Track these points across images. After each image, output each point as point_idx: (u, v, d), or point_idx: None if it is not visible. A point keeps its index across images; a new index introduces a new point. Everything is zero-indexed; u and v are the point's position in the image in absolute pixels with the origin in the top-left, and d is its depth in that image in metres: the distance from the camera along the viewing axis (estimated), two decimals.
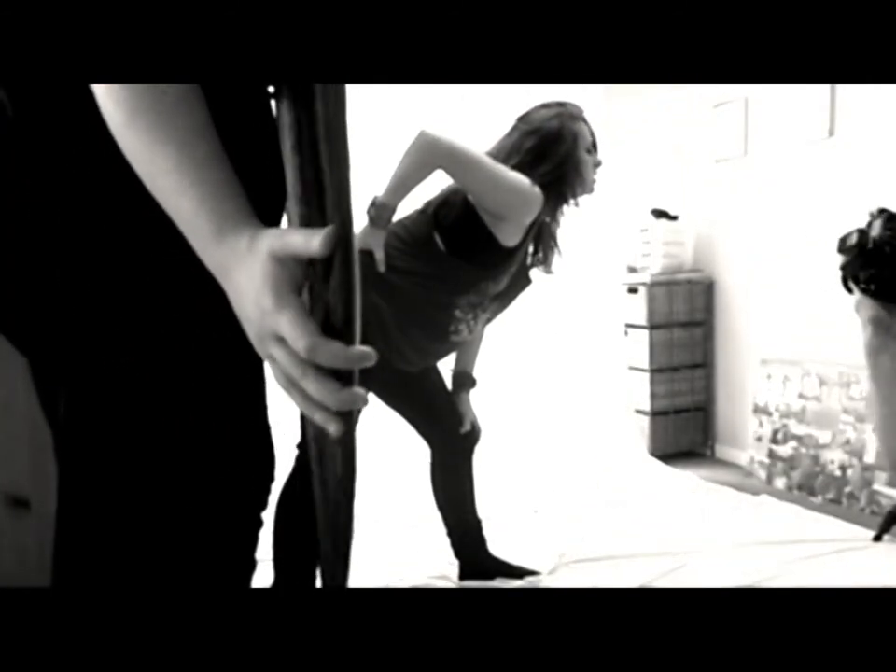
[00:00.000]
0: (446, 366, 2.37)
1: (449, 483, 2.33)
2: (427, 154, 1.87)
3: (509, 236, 1.98)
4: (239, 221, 0.68)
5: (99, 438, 0.81)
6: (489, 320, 2.24)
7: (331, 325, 0.69)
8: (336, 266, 0.69)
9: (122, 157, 0.70)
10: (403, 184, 1.88)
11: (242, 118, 0.77)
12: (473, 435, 2.34)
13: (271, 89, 0.84)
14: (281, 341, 0.65)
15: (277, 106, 0.77)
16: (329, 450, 0.77)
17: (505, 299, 2.20)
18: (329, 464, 0.79)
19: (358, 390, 0.67)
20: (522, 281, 2.22)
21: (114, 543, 0.81)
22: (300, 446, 1.94)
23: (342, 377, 0.67)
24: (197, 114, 0.69)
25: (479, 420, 2.38)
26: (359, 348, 0.66)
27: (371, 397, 2.14)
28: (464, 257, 1.99)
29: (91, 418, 0.81)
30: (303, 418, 0.97)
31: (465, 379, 2.36)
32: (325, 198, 0.71)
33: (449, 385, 2.35)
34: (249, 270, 0.66)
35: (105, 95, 0.69)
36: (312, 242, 0.64)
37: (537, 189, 1.99)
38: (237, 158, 0.71)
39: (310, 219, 0.71)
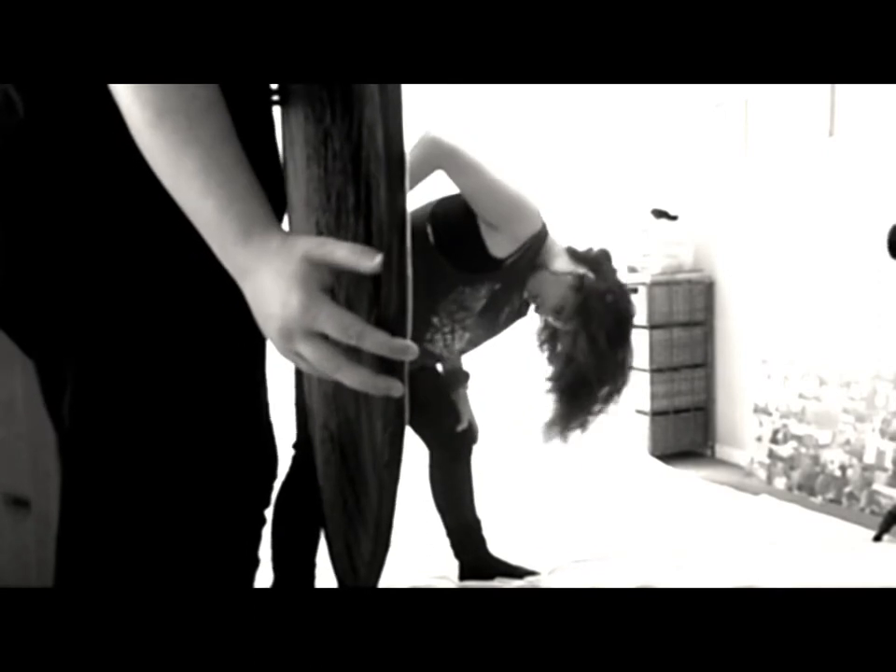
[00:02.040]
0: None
1: (447, 483, 2.32)
2: (429, 153, 1.87)
3: (498, 246, 1.95)
4: (267, 224, 0.70)
5: (103, 437, 0.81)
6: (472, 344, 2.17)
7: (384, 318, 0.71)
8: (393, 265, 0.70)
9: (133, 157, 0.71)
10: None
11: (245, 125, 0.77)
12: (471, 434, 2.33)
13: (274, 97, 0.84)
14: (311, 337, 0.67)
15: (284, 120, 0.77)
16: (375, 439, 0.77)
17: (491, 327, 2.16)
18: (366, 454, 0.78)
19: (393, 378, 0.70)
20: (512, 314, 2.18)
21: (117, 542, 0.81)
22: (296, 446, 1.93)
23: (383, 368, 0.69)
24: (224, 119, 0.70)
25: (476, 419, 2.37)
26: (403, 340, 0.69)
27: None
28: (448, 255, 1.96)
29: (96, 417, 0.81)
30: (302, 420, 0.97)
31: (459, 374, 2.34)
32: (372, 203, 0.71)
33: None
34: (277, 270, 0.67)
35: (131, 95, 0.69)
36: (362, 261, 0.67)
37: (534, 208, 1.98)
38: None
39: (338, 226, 0.72)
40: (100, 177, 0.77)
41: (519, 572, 2.34)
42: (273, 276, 0.68)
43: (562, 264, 2.03)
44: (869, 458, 3.13)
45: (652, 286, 4.00)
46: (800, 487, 3.39)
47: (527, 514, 2.92)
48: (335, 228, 0.72)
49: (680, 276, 4.06)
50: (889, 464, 3.05)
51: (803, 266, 3.48)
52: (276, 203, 0.83)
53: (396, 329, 0.71)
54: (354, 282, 0.71)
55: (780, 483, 3.49)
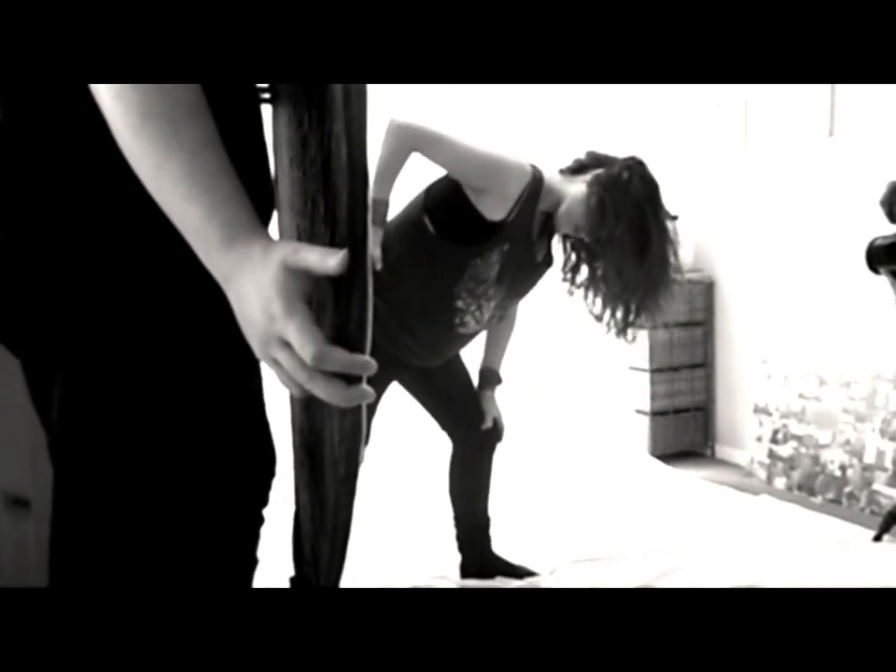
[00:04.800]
0: (472, 362, 2.37)
1: (466, 479, 2.34)
2: (399, 138, 1.90)
3: (492, 209, 1.96)
4: (250, 230, 0.70)
5: (95, 439, 0.80)
6: (503, 308, 2.18)
7: (345, 333, 0.73)
8: (353, 280, 0.72)
9: (115, 159, 0.70)
10: (385, 174, 1.91)
11: (231, 125, 0.77)
12: (496, 432, 2.34)
13: (265, 96, 0.84)
14: (286, 346, 0.68)
15: (274, 119, 0.77)
16: (333, 453, 0.79)
17: (515, 287, 2.15)
18: (328, 465, 0.80)
19: (365, 387, 0.71)
20: (533, 267, 2.17)
21: (112, 543, 0.81)
22: None
23: (347, 376, 0.70)
24: (208, 123, 0.70)
25: (503, 418, 2.37)
26: (362, 357, 0.70)
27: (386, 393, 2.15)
28: (451, 237, 1.97)
29: (88, 419, 0.80)
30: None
31: (491, 376, 2.35)
32: (337, 214, 0.73)
33: (475, 380, 2.35)
34: (259, 277, 0.68)
35: (114, 99, 0.69)
36: (328, 262, 0.67)
37: (516, 163, 1.99)
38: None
39: (312, 233, 0.73)
40: (84, 179, 0.77)
41: (520, 572, 2.34)
42: (254, 284, 0.68)
43: (570, 187, 2.05)
44: (869, 458, 3.13)
45: None
46: (800, 487, 3.39)
47: (528, 514, 2.92)
48: (310, 235, 0.74)
49: (680, 276, 4.06)
50: (888, 464, 3.05)
51: (803, 266, 3.48)
52: (265, 202, 0.83)
53: (355, 345, 0.73)
54: (319, 294, 0.72)
55: (780, 483, 3.49)
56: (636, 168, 2.01)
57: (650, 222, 1.97)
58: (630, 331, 2.09)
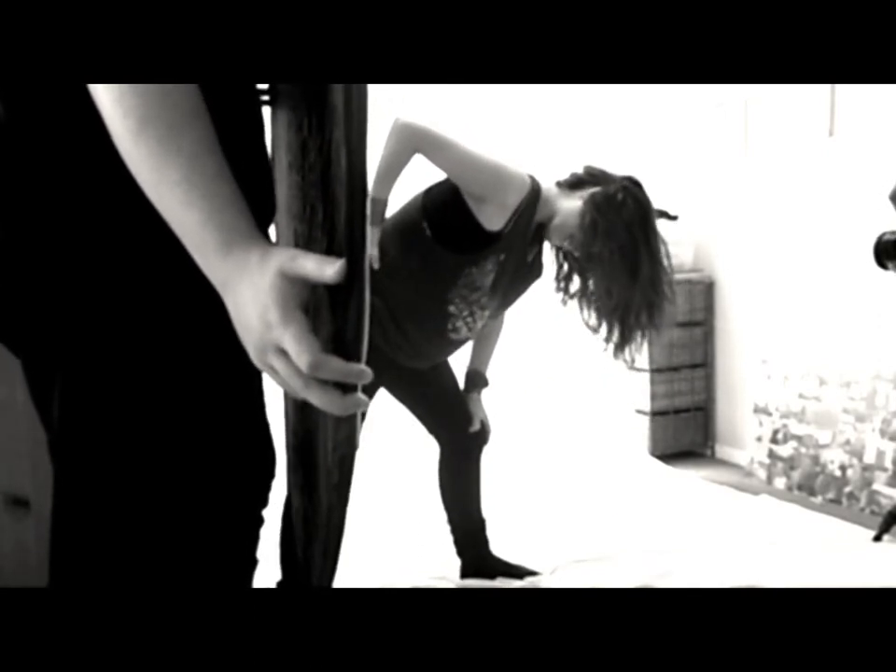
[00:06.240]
0: (459, 363, 2.37)
1: (455, 482, 2.34)
2: (403, 138, 1.90)
3: (491, 219, 1.96)
4: (248, 237, 0.70)
5: (96, 438, 0.81)
6: (493, 318, 2.20)
7: (341, 341, 0.73)
8: (351, 289, 0.73)
9: (116, 161, 0.70)
10: (386, 173, 1.90)
11: (230, 128, 0.77)
12: (482, 435, 2.34)
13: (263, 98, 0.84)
14: (282, 353, 0.68)
15: (273, 121, 0.77)
16: (327, 459, 0.79)
17: (508, 296, 2.16)
18: (321, 471, 0.80)
19: (360, 395, 0.72)
20: (525, 276, 2.18)
21: (112, 544, 0.81)
22: None
23: (343, 384, 0.70)
24: (207, 128, 0.70)
25: (489, 420, 2.38)
26: (358, 366, 0.71)
27: (380, 394, 2.15)
28: (447, 243, 1.97)
29: (88, 419, 0.80)
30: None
31: (477, 379, 2.35)
32: (336, 222, 0.73)
33: (461, 383, 2.35)
34: (256, 284, 0.68)
35: (113, 102, 0.69)
36: (325, 271, 0.67)
37: (517, 173, 1.99)
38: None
39: (309, 238, 0.73)
40: (85, 180, 0.77)
41: (520, 572, 2.34)
42: (252, 291, 0.68)
43: (565, 201, 2.05)
44: (869, 458, 3.13)
45: None
46: (800, 487, 3.39)
47: (528, 514, 2.92)
48: (308, 240, 0.74)
49: (680, 276, 4.05)
50: (888, 464, 3.05)
51: (803, 266, 3.48)
52: (265, 206, 0.83)
53: (351, 353, 0.73)
54: (315, 302, 0.72)
55: (780, 483, 3.49)
56: (631, 189, 2.01)
57: (640, 246, 1.97)
58: (628, 353, 2.09)
